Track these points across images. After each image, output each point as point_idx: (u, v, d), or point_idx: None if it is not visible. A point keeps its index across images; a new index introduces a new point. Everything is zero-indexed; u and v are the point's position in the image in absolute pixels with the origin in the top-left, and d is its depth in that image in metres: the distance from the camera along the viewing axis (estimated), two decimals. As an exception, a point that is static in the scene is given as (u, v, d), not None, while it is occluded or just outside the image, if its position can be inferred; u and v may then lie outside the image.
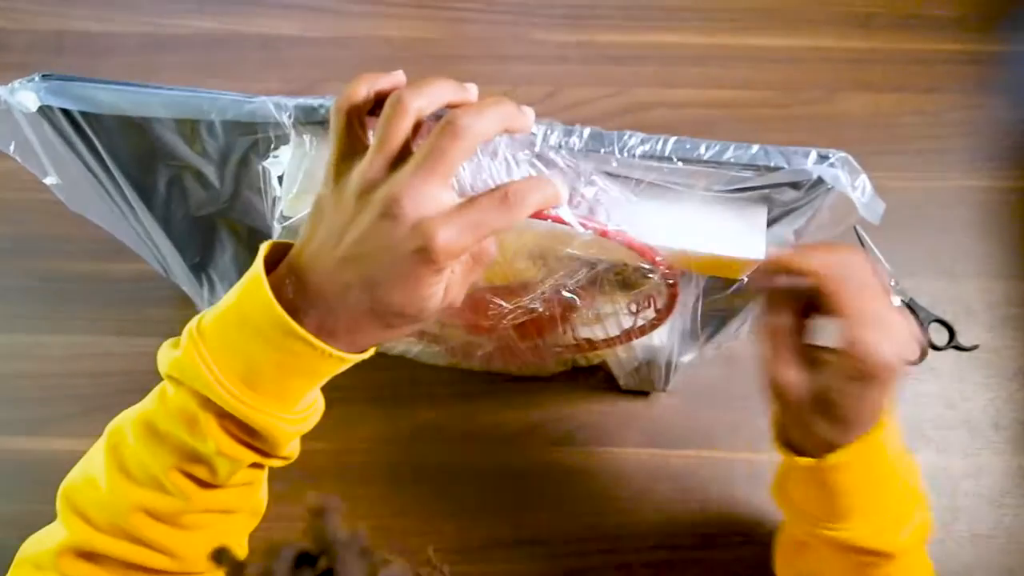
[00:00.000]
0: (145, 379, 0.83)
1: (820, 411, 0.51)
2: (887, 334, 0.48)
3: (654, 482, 0.82)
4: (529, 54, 1.01)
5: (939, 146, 0.96)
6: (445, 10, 1.03)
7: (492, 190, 0.46)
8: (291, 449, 0.54)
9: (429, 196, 0.44)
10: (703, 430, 0.84)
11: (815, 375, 0.51)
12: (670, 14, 1.03)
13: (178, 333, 0.86)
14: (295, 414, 0.51)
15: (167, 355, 0.51)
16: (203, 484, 0.52)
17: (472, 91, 0.48)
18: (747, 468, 0.82)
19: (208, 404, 0.49)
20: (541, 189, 0.47)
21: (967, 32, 1.02)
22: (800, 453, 0.54)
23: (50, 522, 0.80)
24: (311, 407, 0.54)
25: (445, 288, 0.48)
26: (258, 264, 0.48)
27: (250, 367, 0.48)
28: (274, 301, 0.46)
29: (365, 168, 0.46)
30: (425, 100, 0.45)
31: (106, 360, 0.85)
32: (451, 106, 0.47)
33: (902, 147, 0.96)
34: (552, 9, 1.03)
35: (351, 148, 0.47)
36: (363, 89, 0.47)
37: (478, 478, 0.81)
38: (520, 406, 0.84)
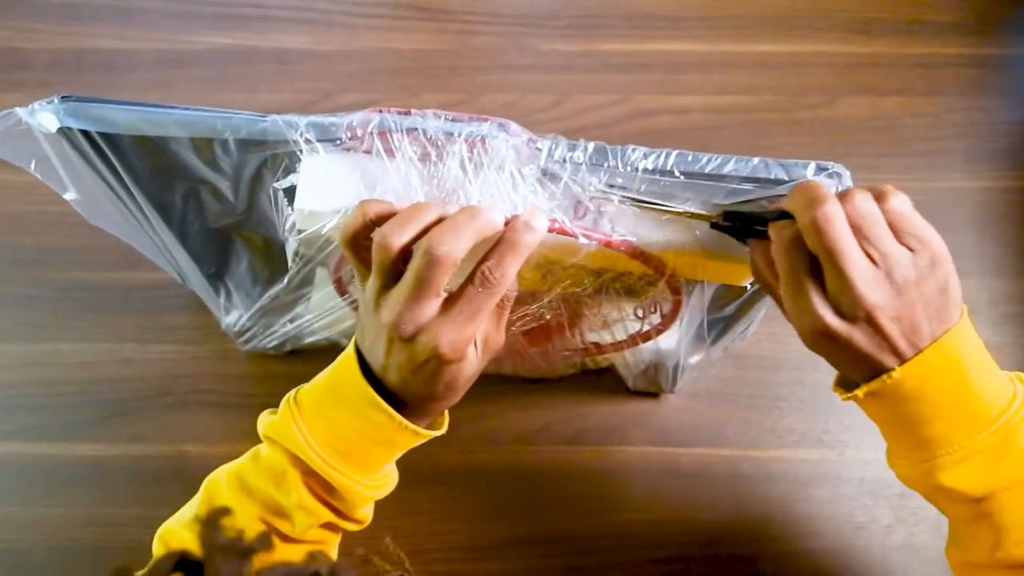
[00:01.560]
0: (162, 384, 0.86)
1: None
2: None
3: (664, 480, 0.83)
4: (535, 64, 1.02)
5: (940, 147, 0.98)
6: (452, 22, 1.05)
7: (470, 277, 0.49)
8: (364, 512, 0.60)
9: (422, 313, 0.48)
10: (712, 428, 0.85)
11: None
12: (673, 23, 1.04)
13: (195, 340, 0.89)
14: (372, 479, 0.57)
15: (265, 420, 0.58)
16: (283, 537, 0.58)
17: (448, 208, 0.51)
18: (755, 466, 0.83)
19: (297, 462, 0.55)
20: (517, 249, 0.49)
21: (966, 36, 1.04)
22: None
23: (72, 525, 0.82)
24: (387, 476, 0.60)
25: (483, 342, 0.53)
26: (352, 347, 0.54)
27: (337, 433, 0.54)
28: (362, 377, 0.53)
29: (369, 296, 0.51)
30: (407, 235, 0.49)
31: (125, 367, 0.87)
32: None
33: (904, 149, 0.97)
34: (557, 20, 1.05)
35: (367, 267, 0.51)
36: (359, 220, 0.50)
37: (490, 478, 0.83)
38: (531, 407, 0.85)
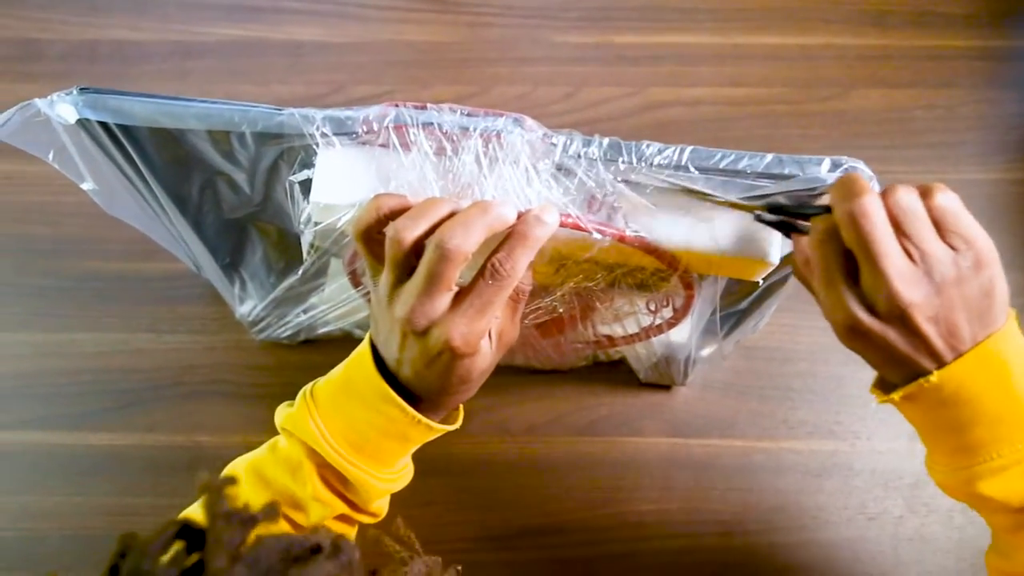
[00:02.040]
0: (177, 373, 0.86)
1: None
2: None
3: (675, 471, 0.83)
4: (548, 56, 1.03)
5: (952, 140, 0.98)
6: (465, 14, 1.05)
7: (481, 270, 0.49)
8: (379, 505, 0.61)
9: (435, 307, 0.49)
10: (723, 420, 0.85)
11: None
12: (685, 15, 1.05)
13: (209, 330, 0.90)
14: (387, 473, 0.58)
15: (283, 412, 0.58)
16: (298, 528, 0.59)
17: (462, 203, 0.51)
18: (766, 457, 0.83)
19: (312, 454, 0.56)
20: (527, 242, 0.49)
21: (978, 28, 1.04)
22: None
23: (87, 514, 0.83)
24: (402, 470, 0.60)
25: (498, 336, 0.54)
26: (366, 342, 0.55)
27: (352, 427, 0.55)
28: (376, 372, 0.53)
29: (383, 290, 0.51)
30: (420, 229, 0.49)
31: (139, 356, 0.88)
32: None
33: (915, 141, 0.97)
34: (569, 12, 1.05)
35: (379, 261, 0.52)
36: (372, 214, 0.50)
37: (502, 468, 0.83)
38: (543, 398, 0.86)
